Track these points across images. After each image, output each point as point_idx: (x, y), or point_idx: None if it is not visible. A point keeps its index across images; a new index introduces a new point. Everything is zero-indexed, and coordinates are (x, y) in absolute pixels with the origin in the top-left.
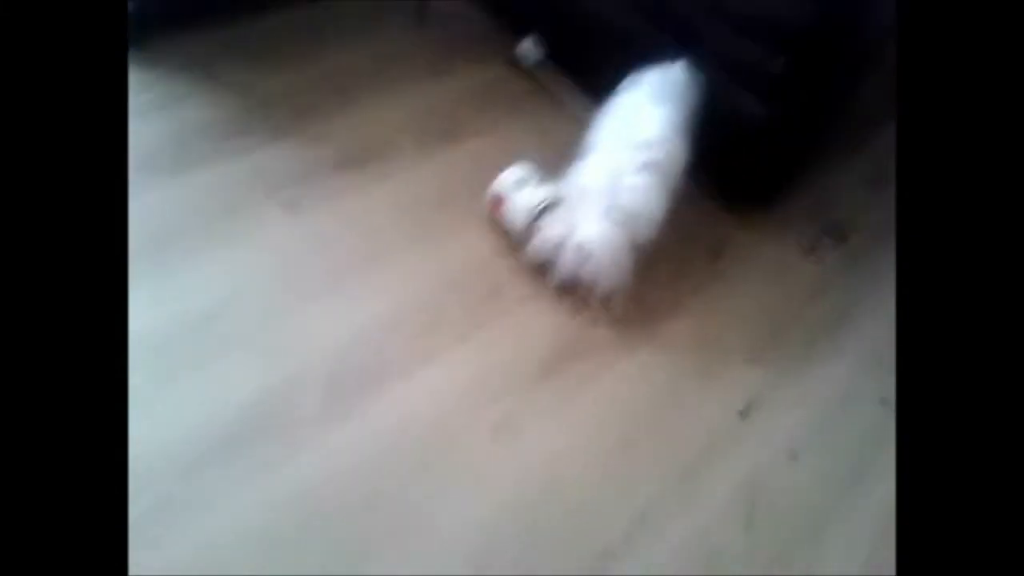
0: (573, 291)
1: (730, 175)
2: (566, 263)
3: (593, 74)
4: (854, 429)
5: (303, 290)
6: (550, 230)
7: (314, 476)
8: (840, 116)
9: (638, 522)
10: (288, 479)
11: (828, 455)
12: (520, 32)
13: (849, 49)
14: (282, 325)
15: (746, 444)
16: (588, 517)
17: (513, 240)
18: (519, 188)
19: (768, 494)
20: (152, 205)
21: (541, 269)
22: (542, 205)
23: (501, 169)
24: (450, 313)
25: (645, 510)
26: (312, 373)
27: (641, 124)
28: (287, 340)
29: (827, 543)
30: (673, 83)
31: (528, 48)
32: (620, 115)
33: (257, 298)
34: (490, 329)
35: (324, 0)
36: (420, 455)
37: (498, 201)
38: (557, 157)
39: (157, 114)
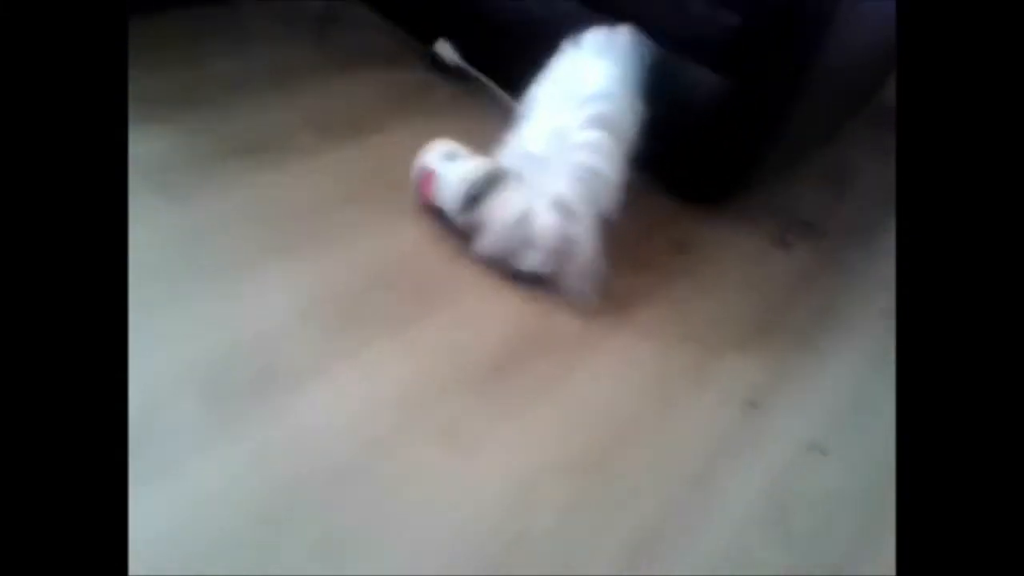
0: (540, 277)
1: (688, 165)
2: (534, 244)
3: (515, 70)
4: (878, 415)
5: (184, 284)
6: (503, 208)
7: (185, 509)
8: (798, 101)
9: (634, 549)
10: (160, 512)
11: (856, 445)
12: (432, 37)
13: (804, 12)
14: (154, 324)
15: (760, 441)
16: (570, 544)
17: (445, 219)
18: (450, 160)
19: (800, 496)
20: None
21: (491, 257)
22: (480, 177)
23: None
24: (370, 309)
25: (643, 533)
26: (188, 380)
27: (585, 79)
28: (160, 342)
29: (886, 542)
30: (618, 42)
31: (444, 49)
32: (560, 74)
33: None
34: (423, 325)
35: (227, 4)
36: (341, 471)
37: (427, 176)
38: (483, 147)
39: None
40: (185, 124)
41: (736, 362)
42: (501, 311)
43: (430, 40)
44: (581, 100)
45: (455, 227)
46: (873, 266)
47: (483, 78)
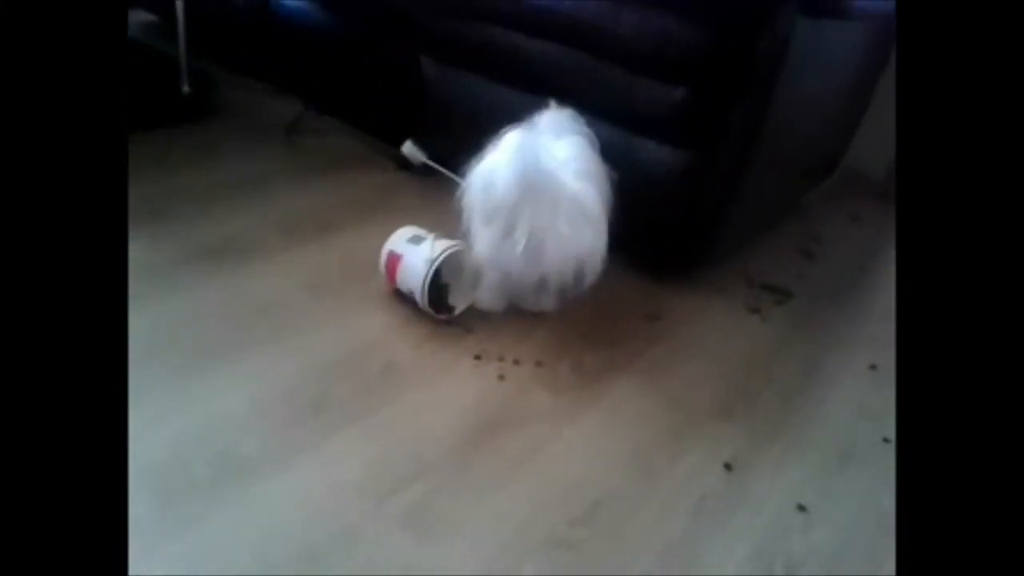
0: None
1: (652, 238)
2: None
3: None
4: (863, 473)
5: (140, 383)
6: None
7: None
8: (753, 165)
9: None
10: None
11: (841, 503)
12: (398, 139)
13: (751, 75)
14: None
15: (742, 504)
16: None
17: (412, 302)
18: (414, 244)
19: (786, 558)
20: None
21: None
22: (446, 254)
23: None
24: (333, 398)
25: None
26: (140, 477)
27: (550, 152)
28: None
29: None
30: (568, 120)
31: (410, 150)
32: (517, 146)
33: None
34: (389, 409)
35: (194, 123)
36: (305, 563)
37: (393, 260)
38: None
39: None
40: (150, 234)
41: (714, 427)
42: (469, 392)
43: (397, 142)
44: (558, 161)
45: (421, 310)
46: (848, 327)
47: (449, 174)
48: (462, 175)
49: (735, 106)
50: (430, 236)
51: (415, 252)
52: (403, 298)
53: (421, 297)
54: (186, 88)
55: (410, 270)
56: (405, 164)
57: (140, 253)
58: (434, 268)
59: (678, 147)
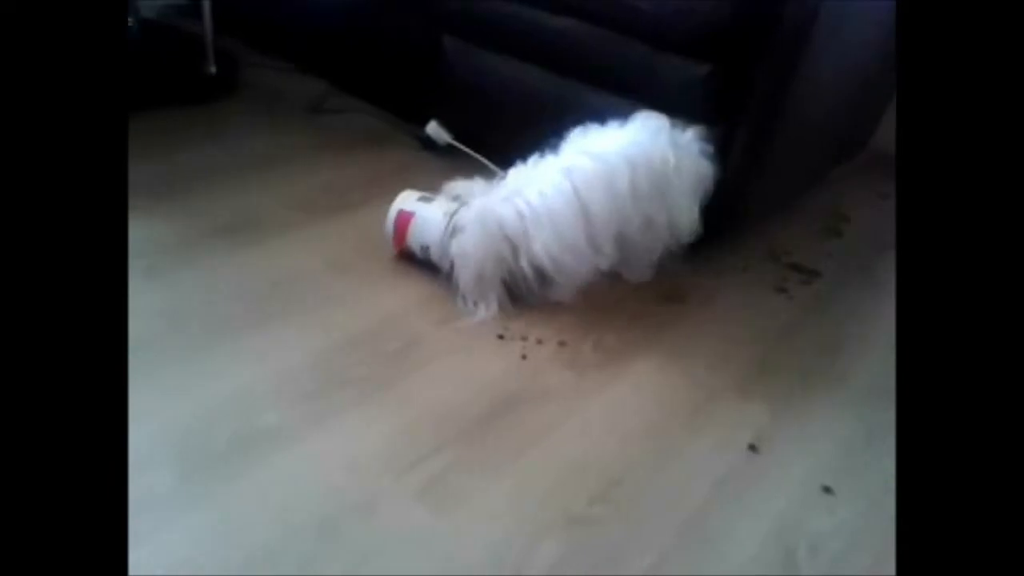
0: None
1: None
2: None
3: (506, 143)
4: (885, 453)
5: (160, 359)
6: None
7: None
8: (777, 140)
9: None
10: None
11: (864, 484)
12: (423, 119)
13: (776, 48)
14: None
15: (763, 484)
16: None
17: (424, 260)
18: (426, 202)
19: (807, 539)
20: None
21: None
22: (474, 220)
23: None
24: (353, 371)
25: None
26: (162, 449)
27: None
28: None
29: None
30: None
31: (434, 130)
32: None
33: None
34: (409, 384)
35: (205, 104)
36: (322, 534)
37: (404, 219)
38: None
39: None
40: (165, 212)
41: (736, 405)
42: (489, 368)
43: (420, 122)
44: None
45: (435, 264)
46: (875, 306)
47: (474, 154)
48: (487, 155)
49: (760, 80)
50: (439, 196)
51: (427, 208)
52: (413, 259)
53: (441, 247)
54: (212, 68)
55: (425, 224)
56: (429, 144)
57: (158, 229)
58: (454, 218)
59: (702, 123)
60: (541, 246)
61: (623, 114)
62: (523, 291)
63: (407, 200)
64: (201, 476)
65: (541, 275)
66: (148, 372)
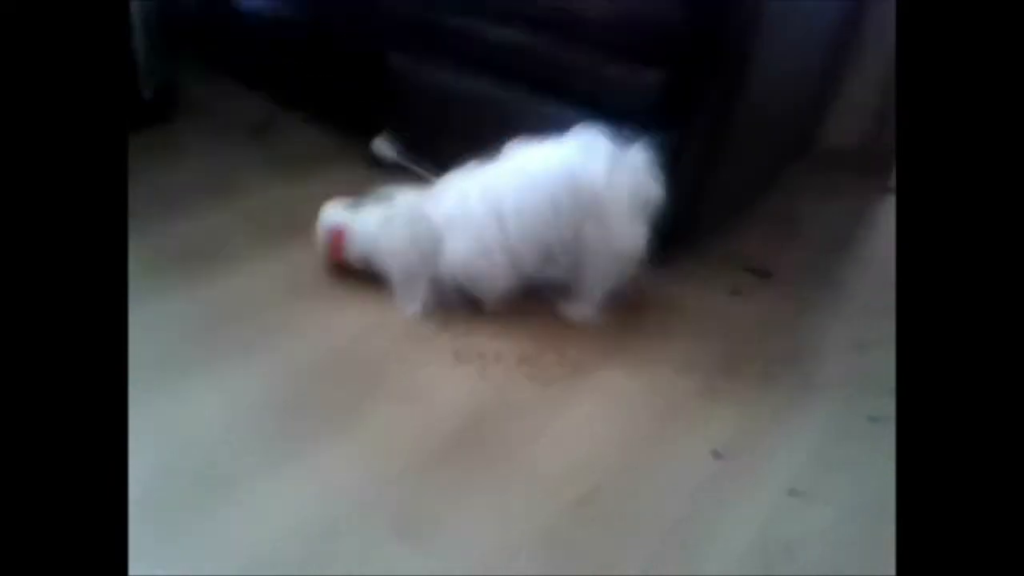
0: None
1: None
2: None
3: (455, 161)
4: (852, 453)
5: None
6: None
7: None
8: (728, 144)
9: None
10: None
11: (837, 485)
12: (369, 134)
13: (725, 51)
14: None
15: (736, 490)
16: None
17: (362, 267)
18: (357, 212)
19: (784, 544)
20: None
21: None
22: (403, 214)
23: None
24: (315, 402)
25: None
26: None
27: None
28: None
29: None
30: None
31: (382, 145)
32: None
33: None
34: (371, 411)
35: (157, 125)
36: (292, 568)
37: (338, 234)
38: None
39: None
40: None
41: (704, 411)
42: (453, 387)
43: (367, 138)
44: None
45: (376, 273)
46: (832, 304)
47: (421, 170)
48: (435, 169)
49: (711, 83)
50: (366, 202)
51: (360, 217)
52: (351, 272)
53: (378, 250)
54: (147, 91)
55: (361, 233)
56: (376, 161)
57: None
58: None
59: (653, 130)
60: (455, 249)
61: (571, 124)
62: (446, 292)
63: (335, 213)
64: (166, 518)
65: (462, 279)
66: None
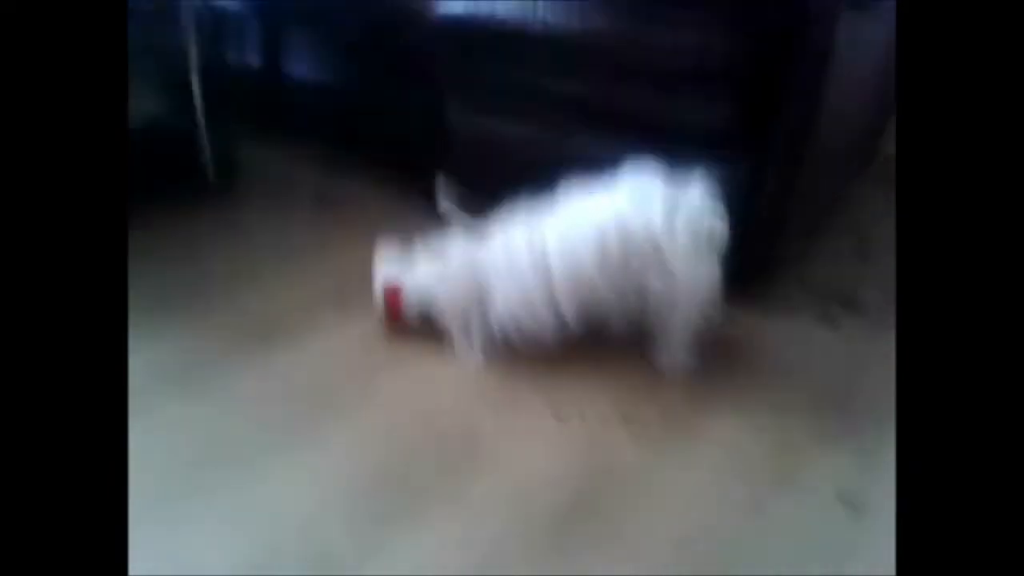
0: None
1: None
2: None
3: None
4: None
5: (212, 478)
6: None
7: None
8: (808, 167)
9: None
10: None
11: None
12: (429, 193)
13: (799, 77)
14: (183, 528)
15: (863, 544)
16: None
17: (423, 321)
18: (410, 266)
19: None
20: None
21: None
22: (455, 264)
23: None
24: (415, 479)
25: None
26: None
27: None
28: (192, 543)
29: None
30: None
31: (443, 204)
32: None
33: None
34: (478, 483)
35: (218, 200)
36: None
37: (393, 292)
38: None
39: None
40: (192, 320)
41: (821, 456)
42: (558, 455)
43: (427, 195)
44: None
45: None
46: None
47: (483, 225)
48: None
49: (784, 111)
50: (414, 252)
51: (413, 273)
52: (409, 331)
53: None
54: (209, 165)
55: (417, 289)
56: (437, 213)
57: (185, 342)
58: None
59: (726, 162)
60: (501, 299)
61: (635, 164)
62: (501, 342)
63: (389, 268)
64: None
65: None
66: (197, 497)
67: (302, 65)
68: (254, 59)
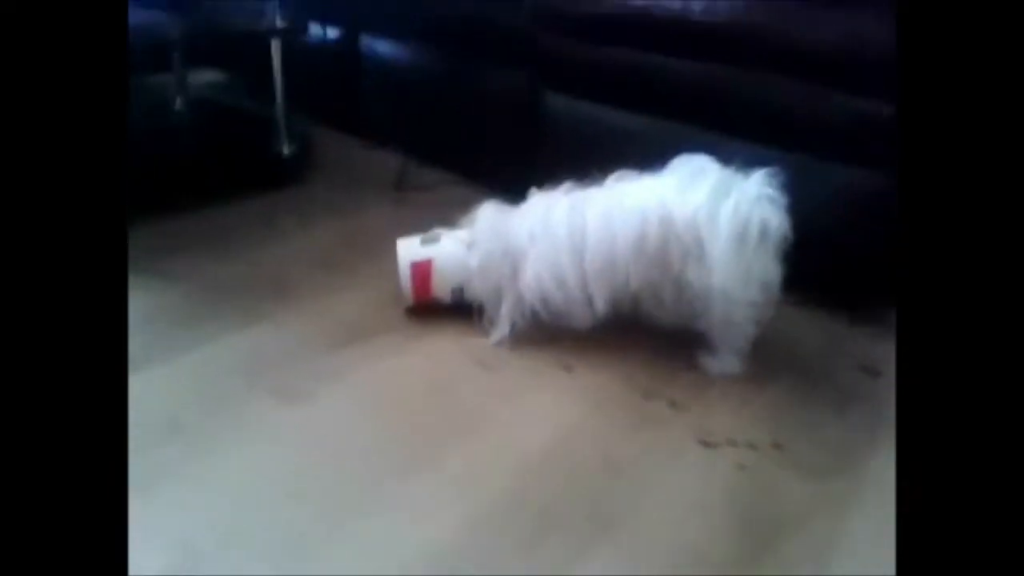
0: None
1: (844, 276)
2: None
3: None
4: None
5: (329, 504)
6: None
7: None
8: None
9: None
10: None
11: None
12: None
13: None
14: (314, 554)
15: None
16: None
17: (454, 301)
18: (433, 242)
19: None
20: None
21: None
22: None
23: None
24: (560, 511)
25: None
26: None
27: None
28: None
29: None
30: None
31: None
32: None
33: (267, 521)
34: (628, 518)
35: (296, 185)
36: None
37: (423, 268)
38: None
39: None
40: (280, 318)
41: None
42: (713, 489)
43: (517, 191)
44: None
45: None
46: None
47: None
48: None
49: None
50: (439, 231)
51: (442, 248)
52: (437, 307)
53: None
54: (286, 149)
55: (448, 264)
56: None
57: (276, 339)
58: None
59: (872, 166)
60: (532, 270)
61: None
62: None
63: (411, 249)
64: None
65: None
66: (322, 522)
67: (387, 47)
68: (335, 40)
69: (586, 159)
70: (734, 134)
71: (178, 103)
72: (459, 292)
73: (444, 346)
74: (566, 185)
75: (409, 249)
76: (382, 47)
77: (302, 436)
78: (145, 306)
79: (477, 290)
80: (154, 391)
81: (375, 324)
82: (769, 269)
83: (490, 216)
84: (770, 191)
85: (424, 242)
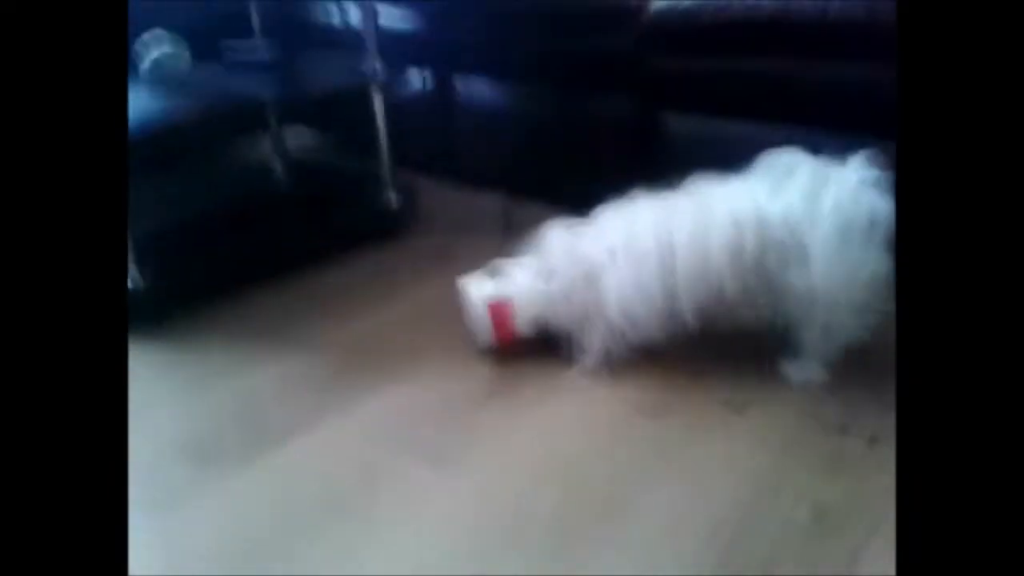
0: None
1: None
2: None
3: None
4: None
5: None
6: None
7: None
8: None
9: None
10: None
11: None
12: None
13: None
14: None
15: None
16: None
17: (539, 333)
18: (502, 275)
19: None
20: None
21: None
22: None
23: None
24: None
25: None
26: None
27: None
28: None
29: None
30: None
31: None
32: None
33: None
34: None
35: (406, 235)
36: None
37: (500, 307)
38: None
39: (199, 394)
40: (413, 376)
41: None
42: None
43: None
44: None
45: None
46: None
47: None
48: None
49: None
50: (499, 265)
51: (513, 282)
52: (524, 347)
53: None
54: (394, 201)
55: (525, 297)
56: None
57: (404, 399)
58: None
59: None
60: (614, 286)
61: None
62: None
63: (482, 287)
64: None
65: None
66: None
67: (482, 87)
68: (429, 87)
69: (654, 166)
70: (812, 125)
71: (279, 167)
72: (540, 324)
73: (593, 393)
74: (635, 195)
75: (480, 288)
76: (477, 88)
77: (466, 506)
78: (277, 375)
79: (562, 320)
80: (306, 465)
81: (511, 375)
82: (880, 264)
83: (562, 238)
84: (874, 174)
85: (491, 276)
